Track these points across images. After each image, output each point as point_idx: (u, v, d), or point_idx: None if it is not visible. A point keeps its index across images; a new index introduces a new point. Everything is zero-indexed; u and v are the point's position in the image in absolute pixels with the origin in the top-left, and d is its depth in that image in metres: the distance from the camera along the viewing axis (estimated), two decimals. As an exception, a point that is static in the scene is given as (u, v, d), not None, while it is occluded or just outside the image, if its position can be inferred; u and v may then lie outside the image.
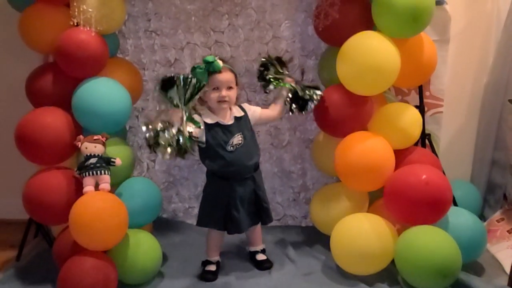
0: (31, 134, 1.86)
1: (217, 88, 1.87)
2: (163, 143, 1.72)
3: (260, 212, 1.98)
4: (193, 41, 2.31)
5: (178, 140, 1.73)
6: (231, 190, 1.90)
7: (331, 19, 1.97)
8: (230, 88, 1.89)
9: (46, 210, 1.85)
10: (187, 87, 1.79)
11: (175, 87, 1.78)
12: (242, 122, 1.93)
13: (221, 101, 1.87)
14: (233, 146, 1.88)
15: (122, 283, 1.84)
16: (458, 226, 1.89)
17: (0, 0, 2.29)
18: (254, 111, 2.00)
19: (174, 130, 1.74)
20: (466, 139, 2.50)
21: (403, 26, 1.88)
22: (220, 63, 1.87)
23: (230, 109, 1.94)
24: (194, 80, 1.79)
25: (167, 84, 1.79)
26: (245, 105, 2.02)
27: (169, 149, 1.73)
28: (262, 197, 1.98)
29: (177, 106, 1.78)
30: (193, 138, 1.76)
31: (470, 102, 2.47)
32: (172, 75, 1.81)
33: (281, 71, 2.06)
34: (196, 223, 2.00)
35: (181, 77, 1.79)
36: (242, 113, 1.96)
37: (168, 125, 1.75)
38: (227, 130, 1.89)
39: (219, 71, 1.86)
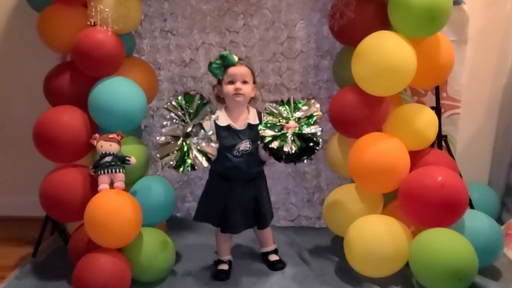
0: (48, 132, 1.89)
1: (232, 82, 1.88)
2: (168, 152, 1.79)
3: (257, 217, 1.97)
4: (208, 41, 2.32)
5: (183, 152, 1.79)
6: (230, 191, 1.90)
7: (347, 19, 1.96)
8: (245, 82, 1.88)
9: (62, 208, 1.87)
10: (199, 108, 1.84)
11: (192, 102, 1.83)
12: (254, 130, 1.90)
13: (236, 93, 1.87)
14: (239, 152, 1.87)
15: (135, 281, 1.86)
16: (474, 229, 1.86)
17: (19, 1, 2.35)
18: None
19: (178, 142, 1.79)
20: (483, 141, 2.46)
21: (420, 26, 1.86)
22: (236, 57, 1.88)
23: (248, 111, 1.93)
24: (208, 107, 1.84)
25: (187, 97, 1.84)
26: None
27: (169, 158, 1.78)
28: (261, 202, 1.96)
29: (185, 122, 1.83)
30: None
31: (488, 104, 2.44)
32: (196, 92, 1.86)
33: (279, 117, 1.86)
34: (193, 218, 2.02)
35: (200, 96, 1.85)
36: (257, 122, 1.92)
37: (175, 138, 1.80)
38: (237, 135, 1.88)
39: (233, 64, 1.87)
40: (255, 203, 1.95)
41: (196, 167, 1.78)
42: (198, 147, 1.80)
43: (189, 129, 1.81)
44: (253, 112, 1.94)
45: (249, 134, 1.89)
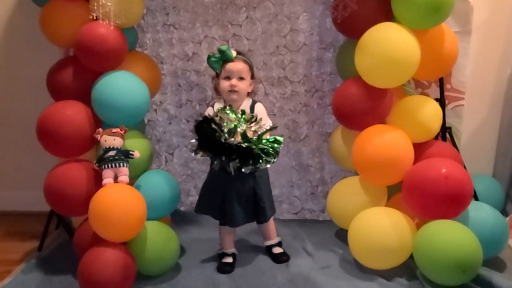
0: (51, 127, 1.89)
1: (228, 78, 1.88)
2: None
3: (256, 210, 1.97)
4: (211, 34, 2.31)
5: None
6: (229, 183, 1.90)
7: (350, 10, 1.95)
8: (241, 79, 1.88)
9: (66, 202, 1.88)
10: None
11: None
12: None
13: (231, 90, 1.87)
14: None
15: (140, 274, 1.87)
16: (479, 221, 1.86)
17: (22, -4, 2.35)
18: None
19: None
20: (488, 133, 2.45)
21: (424, 17, 1.85)
22: (234, 52, 1.88)
23: (242, 102, 1.93)
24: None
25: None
26: (258, 106, 1.95)
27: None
28: (260, 196, 1.95)
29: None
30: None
31: (493, 95, 2.42)
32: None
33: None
34: (194, 210, 2.03)
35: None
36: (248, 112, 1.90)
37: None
38: None
39: (231, 60, 1.86)
40: (254, 196, 1.95)
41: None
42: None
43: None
44: (246, 102, 1.93)
45: None
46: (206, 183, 2.01)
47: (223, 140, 1.68)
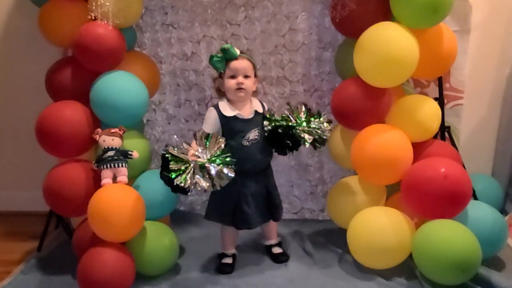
0: (50, 128, 1.89)
1: (234, 76, 1.87)
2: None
3: (270, 209, 1.97)
4: (210, 34, 2.31)
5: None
6: (242, 185, 1.88)
7: (348, 10, 1.94)
8: (247, 77, 1.88)
9: (65, 202, 1.88)
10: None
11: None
12: (261, 118, 1.92)
13: (238, 88, 1.86)
14: (248, 141, 1.87)
15: (139, 274, 1.86)
16: (478, 220, 1.85)
17: (20, -4, 2.35)
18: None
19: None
20: (487, 132, 2.45)
21: (422, 16, 1.85)
22: (237, 50, 1.87)
23: (251, 101, 1.93)
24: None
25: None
26: (266, 105, 2.00)
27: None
28: (273, 194, 1.96)
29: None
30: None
31: (492, 94, 2.42)
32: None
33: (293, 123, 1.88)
34: (204, 216, 1.98)
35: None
36: (262, 110, 1.94)
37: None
38: (245, 124, 1.88)
39: (235, 58, 1.86)
40: (267, 195, 1.95)
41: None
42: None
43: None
44: (255, 102, 1.94)
45: (256, 122, 1.89)
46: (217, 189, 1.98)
47: (173, 179, 1.67)
